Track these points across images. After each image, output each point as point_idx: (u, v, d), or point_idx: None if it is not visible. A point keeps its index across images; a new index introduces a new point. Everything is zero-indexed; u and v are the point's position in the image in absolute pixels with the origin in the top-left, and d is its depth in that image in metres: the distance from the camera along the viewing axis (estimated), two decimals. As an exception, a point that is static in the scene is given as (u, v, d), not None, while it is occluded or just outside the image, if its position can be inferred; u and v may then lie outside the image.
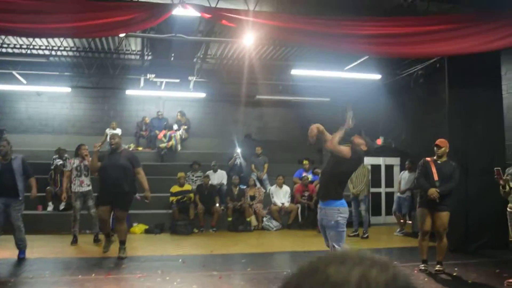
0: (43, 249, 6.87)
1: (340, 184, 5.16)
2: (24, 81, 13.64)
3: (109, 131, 13.55)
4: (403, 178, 10.91)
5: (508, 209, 5.92)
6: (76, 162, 8.80)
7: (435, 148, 6.58)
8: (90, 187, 8.75)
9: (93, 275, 6.36)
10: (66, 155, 11.71)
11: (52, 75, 13.71)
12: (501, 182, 5.95)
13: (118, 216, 7.55)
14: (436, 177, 6.42)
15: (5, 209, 7.00)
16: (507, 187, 5.90)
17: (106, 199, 7.48)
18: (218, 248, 8.72)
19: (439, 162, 6.55)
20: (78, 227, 8.66)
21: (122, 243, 7.47)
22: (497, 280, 6.14)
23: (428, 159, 6.66)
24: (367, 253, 0.67)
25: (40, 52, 12.22)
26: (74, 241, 8.65)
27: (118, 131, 13.62)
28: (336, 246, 4.90)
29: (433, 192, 6.32)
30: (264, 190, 12.20)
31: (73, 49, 12.67)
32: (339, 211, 4.94)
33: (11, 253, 7.22)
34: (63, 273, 6.57)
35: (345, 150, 5.00)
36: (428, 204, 6.44)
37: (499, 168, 6.05)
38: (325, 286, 0.62)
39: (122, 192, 7.39)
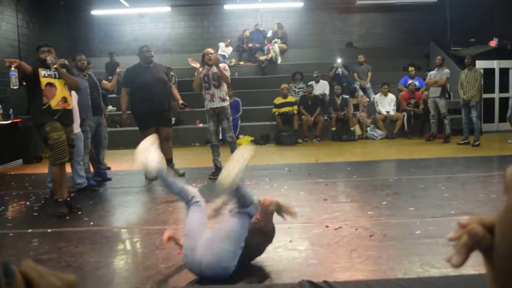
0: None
1: None
2: (127, 4, 14.10)
3: (221, 45, 14.24)
4: (520, 80, 10.13)
5: None
6: (203, 71, 6.95)
7: None
8: (225, 103, 6.95)
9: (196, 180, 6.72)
10: (172, 73, 12.20)
11: (152, -4, 14.07)
12: None
13: (166, 135, 7.05)
14: None
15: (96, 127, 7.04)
16: None
17: (151, 120, 6.86)
18: (322, 157, 8.80)
19: None
20: (219, 155, 7.08)
21: (170, 161, 7.19)
22: None
23: None
24: None
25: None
26: (214, 174, 6.86)
27: (230, 49, 13.99)
28: None
29: None
30: (367, 99, 11.96)
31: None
32: None
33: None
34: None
35: None
36: None
37: None
38: None
39: (167, 108, 7.11)
